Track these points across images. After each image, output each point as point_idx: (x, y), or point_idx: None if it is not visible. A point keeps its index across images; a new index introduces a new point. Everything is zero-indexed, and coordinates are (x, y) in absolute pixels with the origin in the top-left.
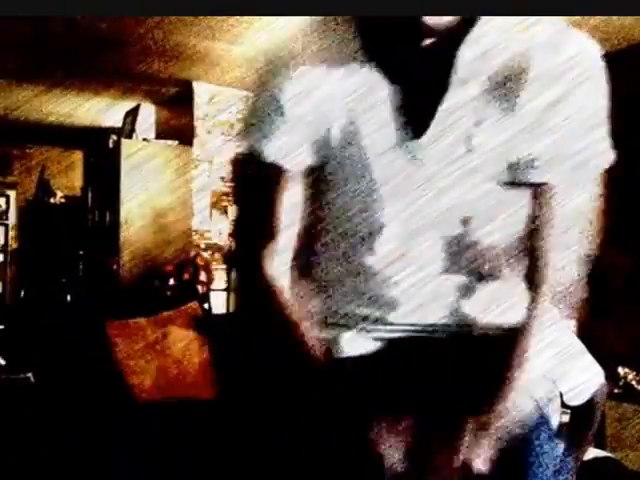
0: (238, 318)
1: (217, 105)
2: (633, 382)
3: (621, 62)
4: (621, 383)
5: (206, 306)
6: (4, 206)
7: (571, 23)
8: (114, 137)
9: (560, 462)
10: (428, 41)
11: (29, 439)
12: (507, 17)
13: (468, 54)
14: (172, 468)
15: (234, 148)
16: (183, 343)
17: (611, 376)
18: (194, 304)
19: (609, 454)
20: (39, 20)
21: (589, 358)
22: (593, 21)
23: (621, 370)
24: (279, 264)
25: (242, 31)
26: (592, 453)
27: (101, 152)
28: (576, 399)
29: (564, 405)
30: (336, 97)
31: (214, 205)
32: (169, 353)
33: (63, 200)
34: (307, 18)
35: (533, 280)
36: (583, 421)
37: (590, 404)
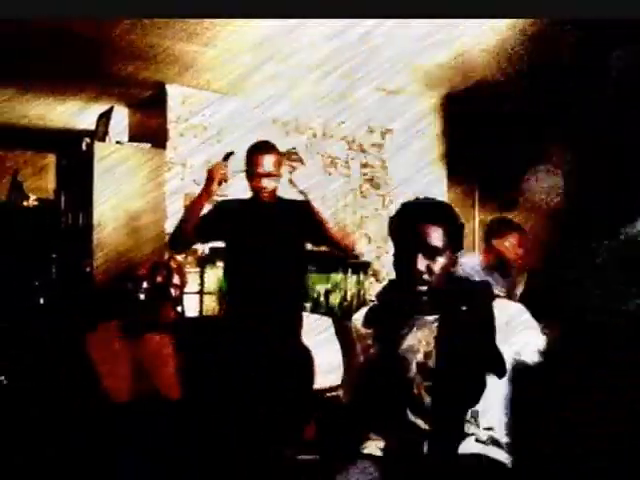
0: (210, 321)
1: (190, 107)
2: None
3: None
4: None
5: (179, 309)
6: None
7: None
8: (87, 140)
9: None
10: None
11: (3, 442)
12: None
13: None
14: (149, 467)
15: (207, 151)
16: (156, 347)
17: None
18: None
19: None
20: (12, 22)
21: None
22: None
23: None
24: None
25: (215, 34)
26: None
27: (74, 155)
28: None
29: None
30: None
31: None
32: (143, 356)
33: (36, 203)
34: None
35: None
36: None
37: None
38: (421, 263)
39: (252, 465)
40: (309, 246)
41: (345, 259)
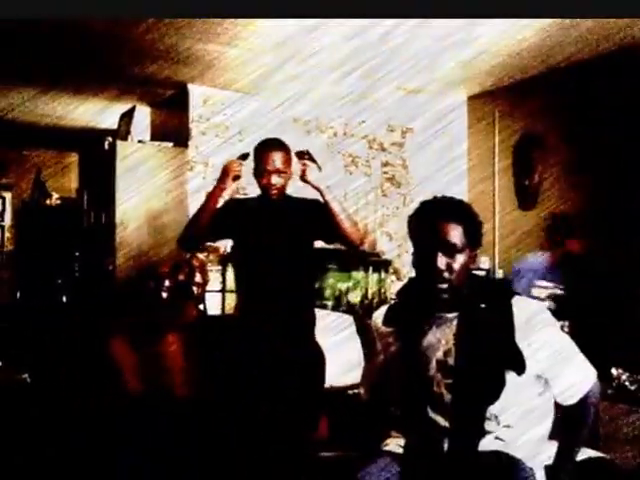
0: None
1: (212, 107)
2: (626, 383)
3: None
4: (614, 384)
5: (201, 307)
6: (0, 207)
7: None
8: (109, 139)
9: None
10: None
11: (25, 438)
12: None
13: None
14: (161, 465)
15: (228, 150)
16: (178, 346)
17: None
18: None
19: (603, 454)
20: (35, 22)
21: (581, 358)
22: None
23: (614, 371)
24: None
25: (237, 34)
26: (586, 454)
27: (97, 154)
28: (570, 399)
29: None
30: None
31: None
32: (165, 355)
33: (59, 202)
34: None
35: None
36: (576, 420)
37: (583, 403)
38: (441, 261)
39: (266, 462)
40: (329, 244)
41: (366, 257)
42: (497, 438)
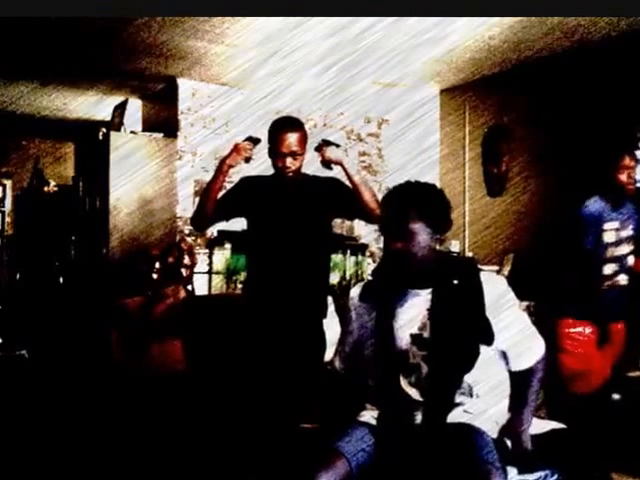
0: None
1: (199, 100)
2: None
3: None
4: None
5: (189, 288)
6: (0, 194)
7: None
8: (103, 130)
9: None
10: None
11: (23, 412)
12: None
13: None
14: (156, 439)
15: (215, 140)
16: (168, 322)
17: None
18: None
19: (564, 426)
20: (35, 21)
21: (535, 331)
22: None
23: None
24: None
25: (223, 31)
26: (549, 425)
27: (91, 144)
28: (522, 364)
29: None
30: None
31: (197, 193)
32: (156, 331)
33: (56, 189)
34: None
35: None
36: (526, 384)
37: (533, 370)
38: (394, 244)
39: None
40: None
41: (344, 241)
42: (465, 411)
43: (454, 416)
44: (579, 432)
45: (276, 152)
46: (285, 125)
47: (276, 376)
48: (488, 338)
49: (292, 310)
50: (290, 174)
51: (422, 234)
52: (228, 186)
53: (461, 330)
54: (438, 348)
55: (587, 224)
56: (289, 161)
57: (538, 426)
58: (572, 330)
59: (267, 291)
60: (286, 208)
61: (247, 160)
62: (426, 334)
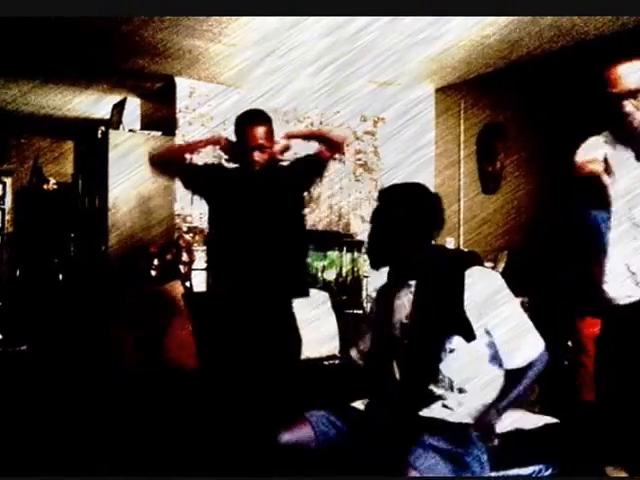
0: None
1: (197, 99)
2: None
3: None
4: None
5: (187, 284)
6: (1, 192)
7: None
8: (102, 128)
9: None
10: None
11: (23, 406)
12: None
13: None
14: (159, 435)
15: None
16: (167, 318)
17: None
18: (176, 282)
19: (558, 420)
20: (33, 20)
21: (533, 330)
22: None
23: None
24: None
25: (221, 30)
26: (542, 420)
27: (90, 142)
28: (514, 363)
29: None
30: None
31: None
32: (156, 327)
33: (55, 186)
34: None
35: None
36: (515, 380)
37: (526, 368)
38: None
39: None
40: (307, 226)
41: (341, 238)
42: (445, 406)
43: (433, 410)
44: (573, 427)
45: (243, 146)
46: (252, 118)
47: (251, 366)
48: (467, 334)
49: (262, 303)
50: (258, 168)
51: (405, 236)
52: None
53: (435, 322)
54: (414, 337)
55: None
56: (257, 156)
57: (532, 421)
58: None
59: (232, 284)
60: (253, 201)
61: (227, 155)
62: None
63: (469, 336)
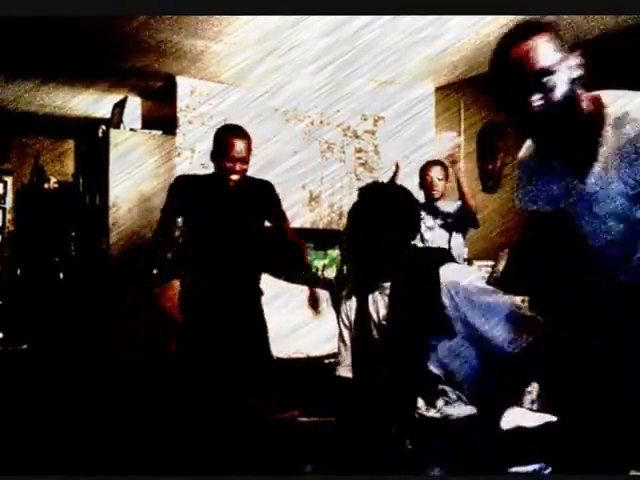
0: None
1: (198, 97)
2: None
3: None
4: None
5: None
6: (2, 191)
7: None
8: (103, 127)
9: None
10: None
11: (24, 404)
12: None
13: None
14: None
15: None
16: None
17: None
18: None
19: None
20: (34, 20)
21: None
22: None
23: None
24: None
25: (222, 29)
26: (543, 418)
27: (91, 141)
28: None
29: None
30: None
31: None
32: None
33: (56, 185)
34: None
35: None
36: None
37: (518, 355)
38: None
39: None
40: (307, 225)
41: (341, 237)
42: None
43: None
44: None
45: (227, 155)
46: (236, 131)
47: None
48: (448, 331)
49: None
50: (235, 179)
51: (386, 237)
52: None
53: (413, 324)
54: (390, 339)
55: None
56: (238, 166)
57: (532, 419)
58: None
59: (205, 296)
60: (226, 208)
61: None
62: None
63: (451, 333)
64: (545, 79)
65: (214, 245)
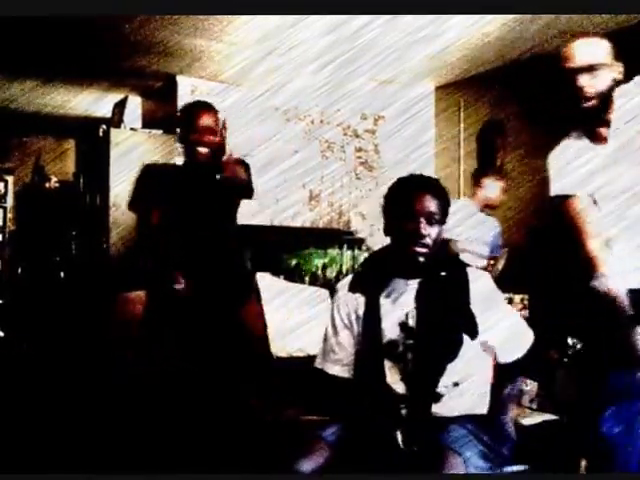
0: None
1: (198, 97)
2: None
3: None
4: (570, 352)
5: None
6: (2, 190)
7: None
8: (104, 127)
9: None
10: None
11: (24, 404)
12: None
13: None
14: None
15: None
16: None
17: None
18: None
19: (557, 417)
20: (34, 19)
21: (523, 324)
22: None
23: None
24: None
25: (222, 29)
26: (541, 417)
27: (92, 140)
28: (507, 358)
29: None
30: None
31: None
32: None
33: (57, 185)
34: None
35: None
36: (510, 373)
37: (518, 362)
38: (424, 228)
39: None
40: (307, 224)
41: (341, 236)
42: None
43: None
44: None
45: (192, 128)
46: (202, 105)
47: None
48: (472, 331)
49: (209, 300)
50: (204, 153)
51: (441, 224)
52: None
53: (446, 321)
54: (423, 337)
55: None
56: (206, 137)
57: (530, 418)
58: None
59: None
60: (198, 196)
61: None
62: (412, 323)
63: (474, 333)
64: (596, 72)
65: (188, 234)
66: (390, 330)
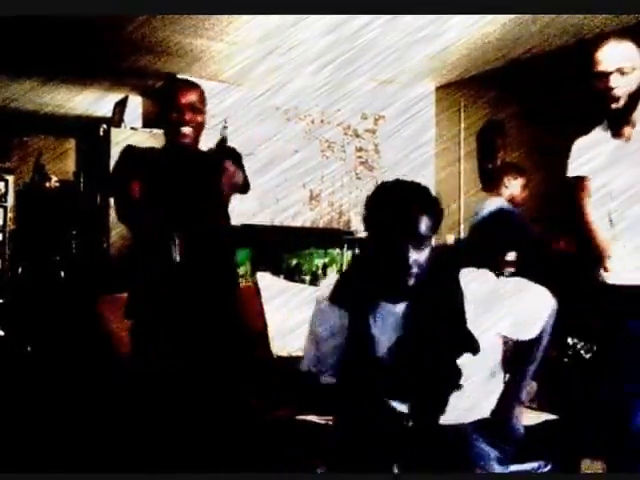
0: None
1: None
2: (582, 352)
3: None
4: (570, 353)
5: None
6: (3, 190)
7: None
8: (104, 126)
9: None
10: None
11: (24, 403)
12: None
13: None
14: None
15: (214, 136)
16: None
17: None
18: None
19: (557, 416)
20: (35, 19)
21: (537, 290)
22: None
23: (570, 340)
24: None
25: (222, 29)
26: (542, 417)
27: (92, 140)
28: (524, 334)
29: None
30: None
31: None
32: None
33: (57, 184)
34: None
35: None
36: (526, 354)
37: (536, 340)
38: (412, 255)
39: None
40: (308, 223)
41: (342, 236)
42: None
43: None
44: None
45: (173, 106)
46: (185, 82)
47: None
48: (472, 348)
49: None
50: (186, 134)
51: (430, 242)
52: None
53: (440, 344)
54: (416, 361)
55: None
56: (188, 116)
57: (531, 417)
58: None
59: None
60: (181, 182)
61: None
62: (403, 346)
63: (476, 349)
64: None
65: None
66: (377, 350)
